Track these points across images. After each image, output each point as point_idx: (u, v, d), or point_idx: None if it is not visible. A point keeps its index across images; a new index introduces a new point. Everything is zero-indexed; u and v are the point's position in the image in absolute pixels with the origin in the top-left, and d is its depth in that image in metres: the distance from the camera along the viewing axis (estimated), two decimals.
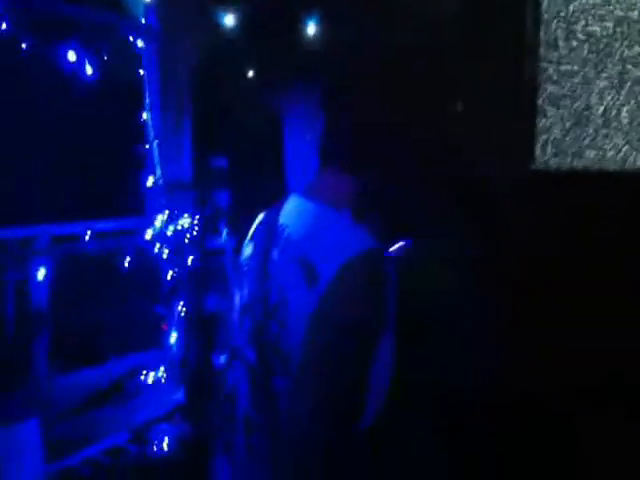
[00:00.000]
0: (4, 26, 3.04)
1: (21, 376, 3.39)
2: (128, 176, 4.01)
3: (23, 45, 3.18)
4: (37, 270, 3.38)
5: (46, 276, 3.43)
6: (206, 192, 4.35)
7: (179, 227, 4.08)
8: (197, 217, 4.18)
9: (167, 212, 4.03)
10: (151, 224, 3.97)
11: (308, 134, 4.14)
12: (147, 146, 4.04)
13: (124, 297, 3.95)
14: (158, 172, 4.06)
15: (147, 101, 4.01)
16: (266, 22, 3.81)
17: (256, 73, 4.24)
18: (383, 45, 1.42)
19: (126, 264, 3.82)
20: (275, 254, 1.33)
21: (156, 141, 4.05)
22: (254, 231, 1.49)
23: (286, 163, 4.35)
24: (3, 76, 3.25)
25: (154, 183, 4.03)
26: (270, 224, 1.40)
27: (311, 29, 3.76)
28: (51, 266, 3.44)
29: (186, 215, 4.12)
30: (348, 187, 1.35)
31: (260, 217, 1.50)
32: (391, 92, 1.36)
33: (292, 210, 1.38)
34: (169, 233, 4.04)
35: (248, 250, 1.46)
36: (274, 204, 1.45)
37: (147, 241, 3.94)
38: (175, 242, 4.06)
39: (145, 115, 4.01)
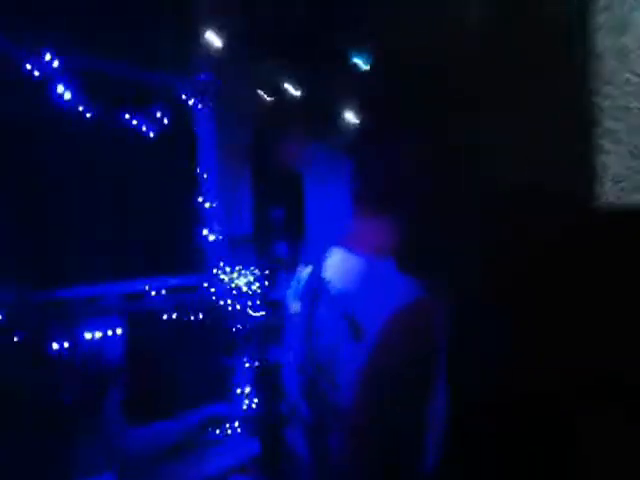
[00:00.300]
0: (68, 95, 3.21)
1: (96, 430, 3.43)
2: (189, 232, 4.11)
3: (86, 112, 3.36)
4: (108, 327, 3.46)
5: (116, 332, 3.51)
6: (266, 244, 4.43)
7: (242, 280, 4.14)
8: (258, 270, 4.24)
9: (230, 266, 4.11)
10: (214, 278, 4.04)
11: (336, 180, 4.20)
12: (207, 203, 4.15)
13: (193, 351, 4.00)
14: (218, 227, 4.16)
15: (204, 158, 4.14)
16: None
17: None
18: (418, 84, 1.37)
19: (193, 318, 3.89)
20: (321, 311, 1.32)
21: (215, 196, 4.16)
22: (299, 286, 1.47)
23: (309, 212, 4.40)
24: (69, 142, 3.41)
25: (215, 238, 4.12)
26: (314, 279, 1.39)
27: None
28: (121, 323, 3.52)
29: (250, 268, 4.19)
30: (387, 232, 1.32)
31: (304, 270, 1.48)
32: (434, 130, 1.33)
33: (335, 264, 1.36)
34: (233, 286, 4.10)
35: (295, 307, 1.45)
36: (317, 256, 1.44)
37: (212, 295, 4.01)
38: (238, 295, 4.11)
39: (203, 171, 4.13)
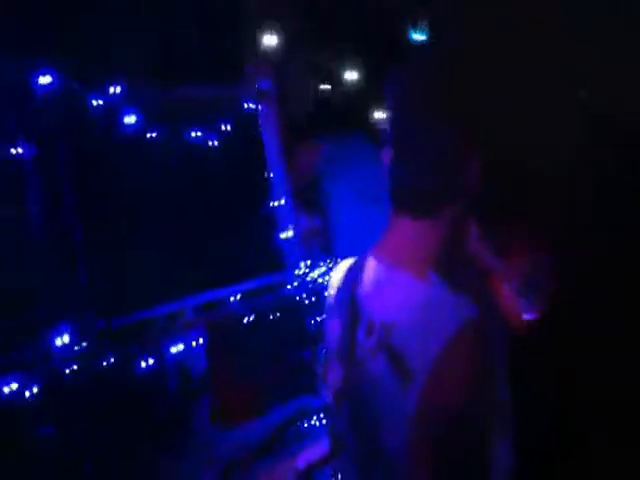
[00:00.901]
0: (133, 119, 3.30)
1: (188, 436, 3.58)
2: (263, 234, 4.17)
3: (154, 134, 3.45)
4: (192, 338, 3.58)
5: (200, 342, 3.63)
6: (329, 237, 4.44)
7: (317, 274, 4.19)
8: (329, 262, 4.27)
9: (304, 262, 4.17)
10: (291, 277, 4.11)
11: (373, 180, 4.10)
12: (276, 203, 4.21)
13: (276, 349, 4.08)
14: (291, 226, 4.21)
15: (271, 161, 4.19)
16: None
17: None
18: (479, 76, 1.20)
19: (273, 317, 3.96)
20: (361, 336, 1.19)
21: (283, 196, 4.20)
22: (335, 300, 1.32)
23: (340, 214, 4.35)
24: (137, 162, 3.50)
25: (288, 236, 4.18)
26: (349, 295, 1.26)
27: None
28: (204, 332, 3.63)
29: (322, 263, 4.23)
30: (430, 240, 1.17)
31: (338, 277, 1.34)
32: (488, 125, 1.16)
33: (372, 281, 1.22)
34: (309, 280, 4.16)
35: (334, 325, 1.30)
36: (352, 267, 1.30)
37: (290, 292, 4.08)
38: (314, 289, 4.16)
39: (269, 174, 4.18)
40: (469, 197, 1.17)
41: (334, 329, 1.30)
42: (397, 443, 1.08)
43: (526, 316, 1.35)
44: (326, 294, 1.37)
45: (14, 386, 2.70)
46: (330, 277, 1.37)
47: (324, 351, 1.34)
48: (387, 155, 1.20)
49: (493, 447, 1.05)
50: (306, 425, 4.18)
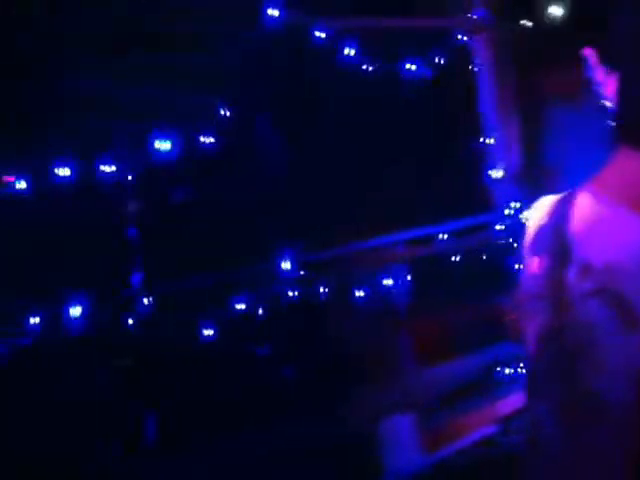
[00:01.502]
0: (352, 52, 3.32)
1: (394, 371, 3.65)
2: (473, 173, 4.06)
3: (369, 66, 3.46)
4: (398, 273, 3.61)
5: (405, 278, 3.65)
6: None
7: (524, 218, 4.02)
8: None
9: (514, 204, 4.01)
10: (501, 216, 3.98)
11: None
12: (486, 140, 4.06)
13: (480, 290, 4.01)
14: (502, 165, 4.07)
15: (483, 96, 4.04)
16: None
17: None
18: None
19: (479, 258, 3.89)
20: (571, 277, 1.07)
21: (494, 133, 4.04)
22: (538, 238, 1.25)
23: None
24: (354, 94, 3.53)
25: (499, 176, 4.04)
26: (559, 231, 1.12)
27: None
28: (411, 267, 3.65)
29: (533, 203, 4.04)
30: None
31: (540, 213, 1.24)
32: None
33: (587, 219, 1.09)
34: (518, 221, 4.00)
35: (535, 265, 1.18)
36: (558, 199, 1.21)
37: (498, 233, 3.96)
38: (524, 230, 3.99)
39: (481, 109, 4.03)
40: None
41: (535, 270, 1.20)
42: (615, 394, 0.98)
43: None
44: (526, 231, 1.26)
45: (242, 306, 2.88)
46: (531, 213, 1.26)
47: (522, 294, 1.25)
48: (612, 81, 1.05)
49: None
50: (508, 372, 4.10)
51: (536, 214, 1.23)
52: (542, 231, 1.20)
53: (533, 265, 1.22)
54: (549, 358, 1.17)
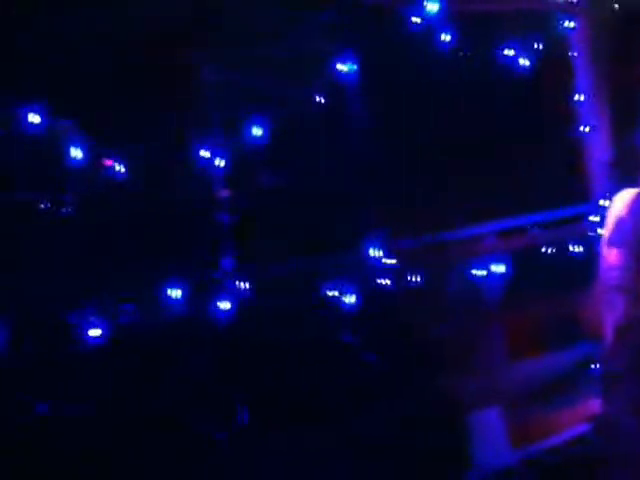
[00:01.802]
0: (447, 38, 3.25)
1: (484, 363, 3.57)
2: (569, 161, 3.96)
3: (465, 51, 3.38)
4: (489, 265, 3.53)
5: (497, 270, 3.56)
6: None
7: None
8: None
9: (611, 193, 3.84)
10: (595, 209, 3.83)
11: None
12: (584, 129, 3.91)
13: (572, 286, 3.88)
14: (598, 154, 3.91)
15: (580, 83, 3.89)
16: None
17: None
18: None
19: (572, 251, 3.76)
20: None
21: (591, 122, 3.90)
22: (620, 230, 1.25)
23: None
24: (450, 79, 3.47)
25: (597, 166, 3.88)
26: (638, 224, 1.19)
27: None
28: (504, 258, 3.56)
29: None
30: None
31: (622, 206, 1.28)
32: None
33: None
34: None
35: (616, 257, 1.23)
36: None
37: (593, 225, 3.82)
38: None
39: (578, 97, 3.89)
40: None
41: (614, 262, 1.16)
42: None
43: None
44: (606, 223, 1.24)
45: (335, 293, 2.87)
46: (612, 206, 1.23)
47: (602, 285, 1.21)
48: None
49: None
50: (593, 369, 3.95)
51: (616, 207, 1.20)
52: (621, 224, 1.18)
53: (612, 257, 1.19)
54: (626, 351, 1.13)
